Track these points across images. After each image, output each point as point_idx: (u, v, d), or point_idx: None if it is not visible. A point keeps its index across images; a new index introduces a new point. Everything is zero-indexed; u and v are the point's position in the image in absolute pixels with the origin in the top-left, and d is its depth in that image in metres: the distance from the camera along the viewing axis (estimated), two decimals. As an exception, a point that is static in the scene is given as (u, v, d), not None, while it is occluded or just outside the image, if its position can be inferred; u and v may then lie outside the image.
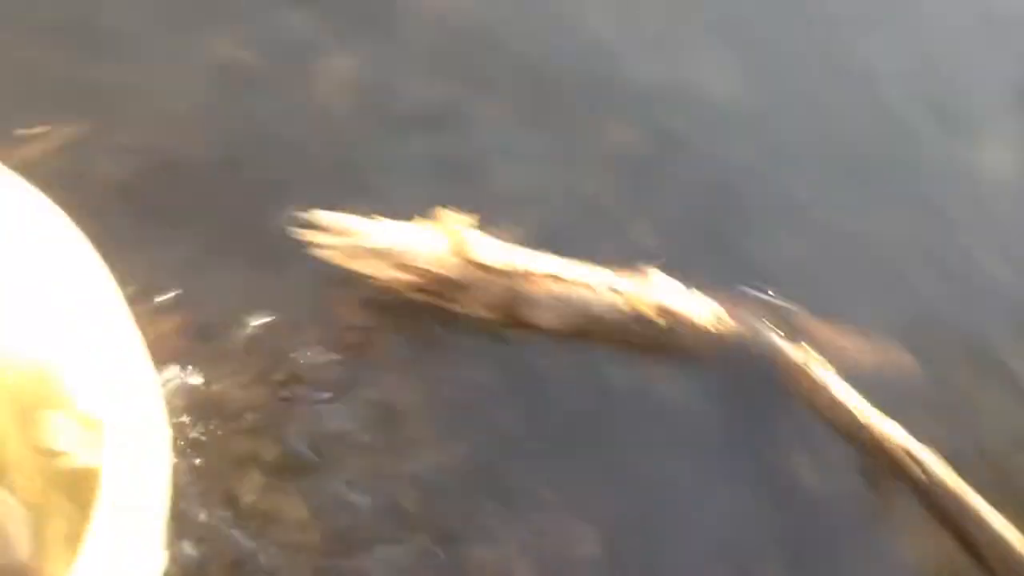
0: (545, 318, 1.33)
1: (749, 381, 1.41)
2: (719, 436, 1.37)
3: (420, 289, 1.28)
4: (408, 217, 1.30)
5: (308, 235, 1.22)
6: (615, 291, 1.35)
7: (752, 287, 1.46)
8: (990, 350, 1.58)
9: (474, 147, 1.57)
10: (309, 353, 1.22)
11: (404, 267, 1.25)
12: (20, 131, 1.29)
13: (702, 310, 1.40)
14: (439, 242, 1.27)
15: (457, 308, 1.31)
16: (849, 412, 1.37)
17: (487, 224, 1.34)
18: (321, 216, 1.23)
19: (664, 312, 1.37)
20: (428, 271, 1.26)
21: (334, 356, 1.23)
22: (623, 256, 1.44)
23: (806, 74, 1.89)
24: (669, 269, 1.43)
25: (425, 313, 1.32)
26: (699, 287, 1.42)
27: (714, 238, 1.57)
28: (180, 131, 1.40)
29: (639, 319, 1.35)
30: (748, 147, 1.71)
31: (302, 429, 1.16)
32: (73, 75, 1.42)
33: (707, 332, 1.39)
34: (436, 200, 1.33)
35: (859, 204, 1.70)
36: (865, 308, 1.53)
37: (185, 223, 1.29)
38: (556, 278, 1.33)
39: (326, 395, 1.20)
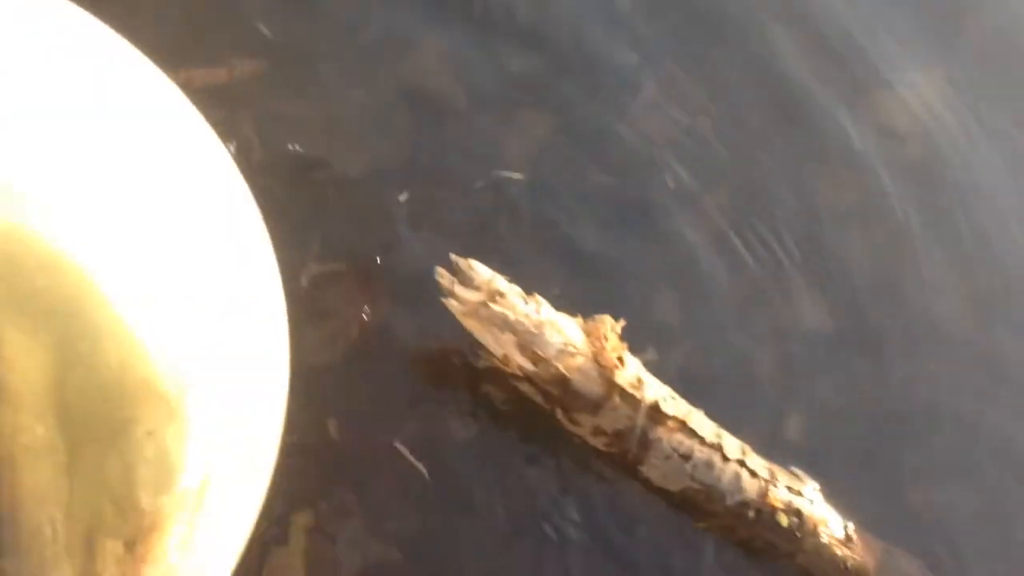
0: (657, 471, 1.13)
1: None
2: None
3: (534, 385, 1.11)
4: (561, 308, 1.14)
5: (447, 279, 1.07)
6: (749, 470, 1.15)
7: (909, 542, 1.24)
8: None
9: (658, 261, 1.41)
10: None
11: (532, 354, 1.08)
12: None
13: (835, 527, 1.18)
14: (583, 346, 1.10)
15: (566, 422, 1.13)
16: None
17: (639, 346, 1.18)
18: (472, 265, 1.08)
19: (795, 514, 1.15)
20: (557, 370, 1.08)
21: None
22: (763, 442, 1.26)
23: None
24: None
25: (526, 413, 1.15)
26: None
27: (867, 463, 1.34)
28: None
29: (762, 512, 1.14)
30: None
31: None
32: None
33: (832, 555, 1.17)
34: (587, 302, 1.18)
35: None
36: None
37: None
38: (688, 429, 1.13)
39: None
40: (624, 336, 1.16)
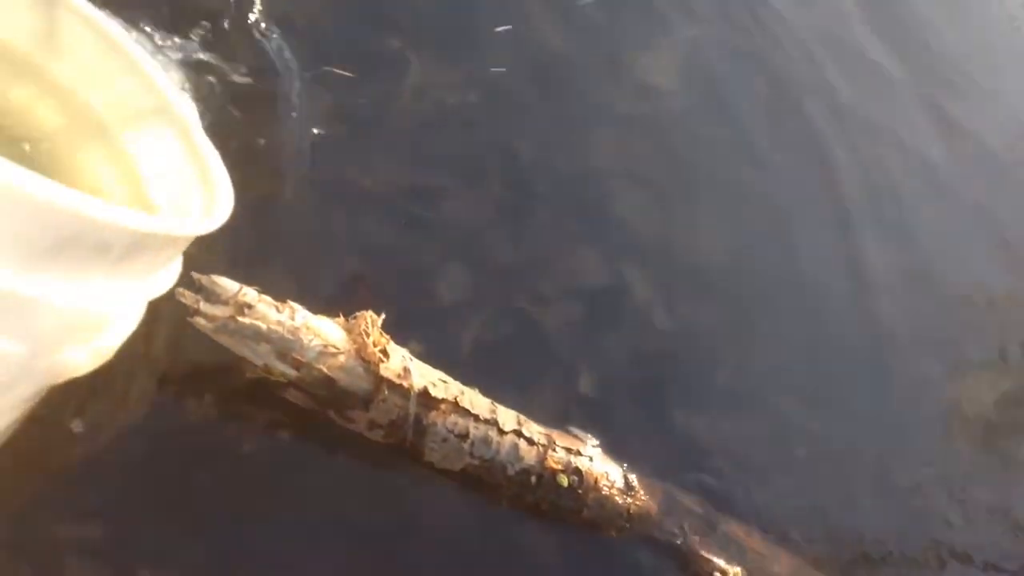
0: (437, 453, 1.16)
1: (648, 571, 1.26)
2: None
3: (302, 390, 1.10)
4: (325, 311, 1.14)
5: (191, 300, 1.04)
6: (526, 439, 1.19)
7: (686, 472, 1.33)
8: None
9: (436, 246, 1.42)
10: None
11: (293, 360, 1.07)
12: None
13: (615, 479, 1.25)
14: (345, 345, 1.10)
15: (341, 421, 1.13)
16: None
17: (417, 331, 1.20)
18: (216, 280, 1.05)
19: (574, 473, 1.21)
20: (320, 372, 1.08)
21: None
22: (559, 405, 1.31)
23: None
24: (598, 428, 1.29)
25: (299, 421, 1.14)
26: (628, 457, 1.29)
27: (656, 405, 1.42)
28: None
29: (544, 476, 1.19)
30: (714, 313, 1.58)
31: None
32: None
33: (615, 505, 1.23)
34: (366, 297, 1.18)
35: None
36: (809, 526, 1.41)
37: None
38: (461, 409, 1.16)
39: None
40: (410, 320, 1.18)
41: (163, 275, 0.91)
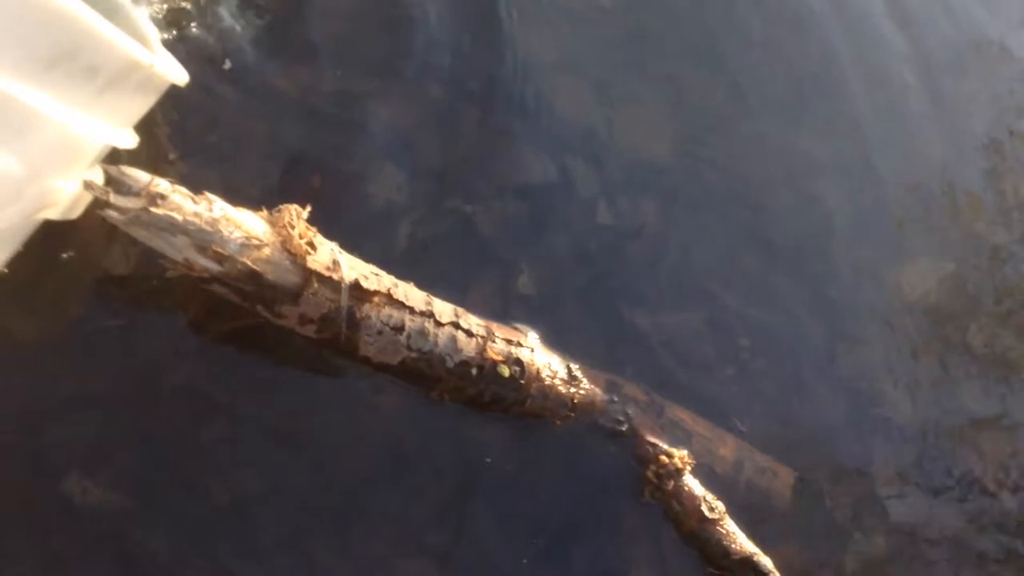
0: (373, 347, 1.12)
1: (594, 458, 1.26)
2: (552, 519, 1.21)
3: (227, 285, 1.06)
4: (249, 204, 1.09)
5: (101, 191, 0.98)
6: (464, 331, 1.17)
7: (629, 366, 1.32)
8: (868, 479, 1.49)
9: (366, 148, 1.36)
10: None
11: (214, 253, 1.02)
12: None
13: (558, 369, 1.23)
14: (269, 237, 1.05)
15: (271, 317, 1.09)
16: (699, 511, 1.23)
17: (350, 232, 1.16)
18: (125, 171, 0.99)
19: (515, 363, 1.19)
20: (245, 265, 1.03)
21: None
22: (499, 304, 1.29)
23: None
24: (539, 327, 1.28)
25: (222, 317, 1.10)
26: (571, 352, 1.27)
27: (599, 301, 1.40)
28: None
29: (484, 368, 1.17)
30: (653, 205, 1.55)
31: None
32: None
33: (559, 395, 1.22)
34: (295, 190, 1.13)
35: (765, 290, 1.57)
36: (754, 413, 1.42)
37: None
38: (396, 302, 1.13)
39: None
40: (340, 222, 1.13)
41: (127, 133, 0.95)
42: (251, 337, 1.14)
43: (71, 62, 0.78)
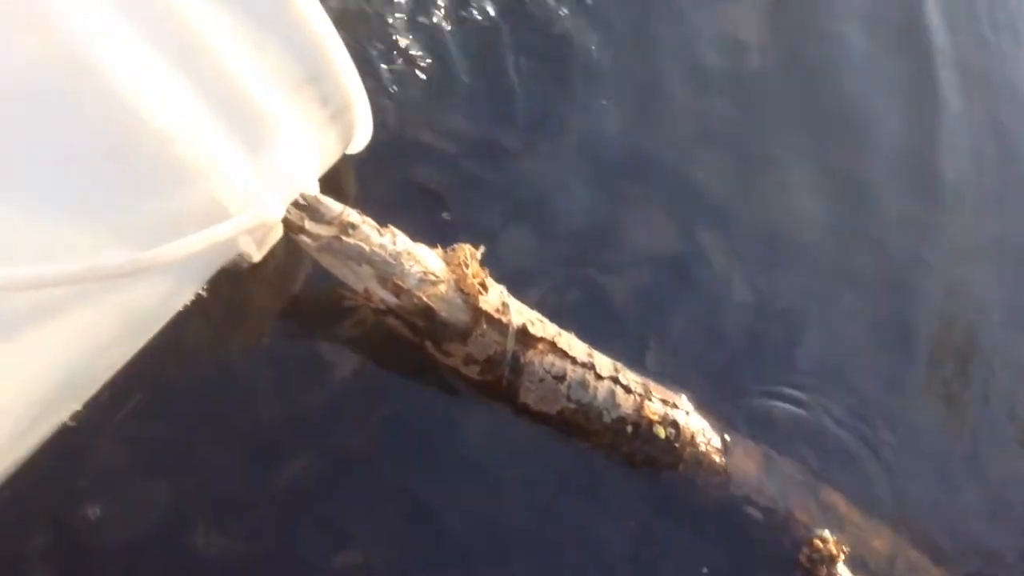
0: (533, 394, 1.12)
1: (742, 533, 1.20)
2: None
3: (400, 318, 1.07)
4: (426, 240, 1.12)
5: (297, 216, 1.02)
6: (623, 386, 1.15)
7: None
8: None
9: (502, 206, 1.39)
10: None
11: (393, 286, 1.04)
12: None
13: (711, 436, 1.20)
14: (444, 274, 1.07)
15: (438, 355, 1.10)
16: None
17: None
18: (321, 200, 1.03)
19: (671, 425, 1.16)
20: (420, 300, 1.05)
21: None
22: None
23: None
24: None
25: (394, 349, 1.11)
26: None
27: (731, 383, 1.37)
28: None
29: (640, 427, 1.15)
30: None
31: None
32: None
33: (712, 463, 1.18)
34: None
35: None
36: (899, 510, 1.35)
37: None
38: (559, 350, 1.12)
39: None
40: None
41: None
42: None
43: (313, 87, 0.79)
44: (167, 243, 0.68)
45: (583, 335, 1.29)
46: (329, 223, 1.03)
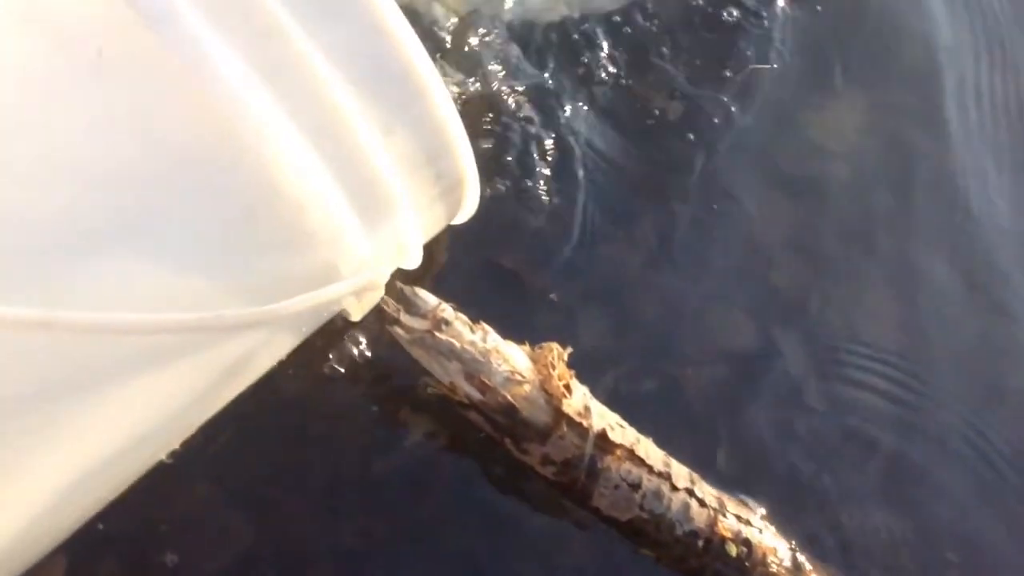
0: (606, 500, 1.10)
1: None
2: None
3: (483, 414, 1.07)
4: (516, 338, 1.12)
5: (393, 308, 1.03)
6: (698, 499, 1.13)
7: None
8: None
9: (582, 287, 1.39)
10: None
11: (480, 383, 1.04)
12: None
13: (784, 556, 1.17)
14: (530, 374, 1.07)
15: (515, 452, 1.09)
16: None
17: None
18: (418, 293, 1.05)
19: (744, 543, 1.14)
20: (505, 399, 1.04)
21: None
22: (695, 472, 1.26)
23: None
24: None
25: (475, 442, 1.11)
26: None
27: (798, 489, 1.34)
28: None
29: (712, 542, 1.12)
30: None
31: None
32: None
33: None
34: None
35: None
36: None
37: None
38: (636, 458, 1.11)
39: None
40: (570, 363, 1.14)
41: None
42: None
43: (431, 166, 0.81)
44: (284, 299, 0.72)
45: (655, 426, 1.27)
46: (423, 317, 1.04)
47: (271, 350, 0.88)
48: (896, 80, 1.80)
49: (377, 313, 1.04)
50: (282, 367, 1.04)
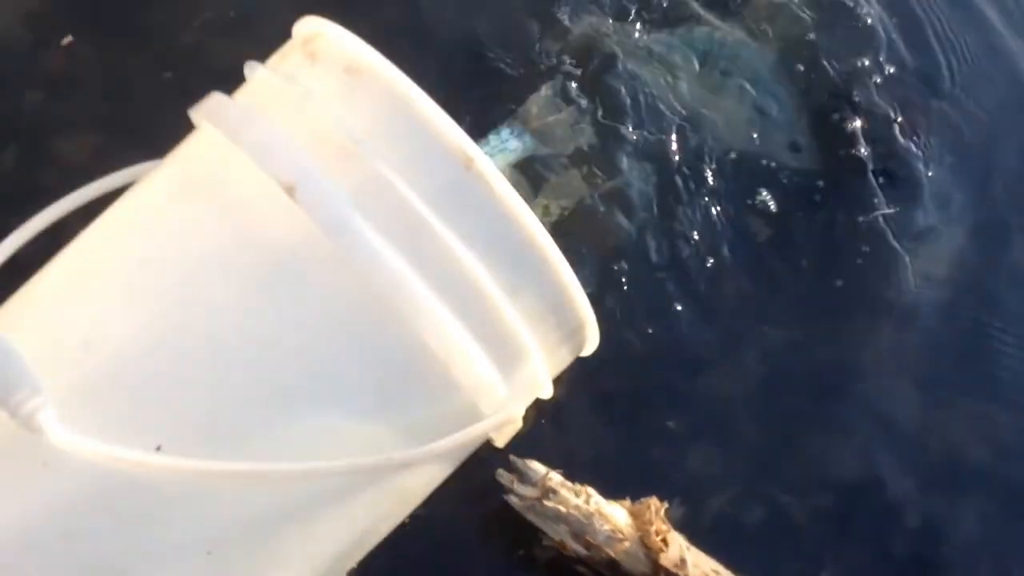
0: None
1: None
2: None
3: (589, 567, 1.22)
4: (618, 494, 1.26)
5: (508, 479, 1.21)
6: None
7: None
8: None
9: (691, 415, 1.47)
10: None
11: (585, 541, 1.19)
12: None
13: None
14: (630, 530, 1.21)
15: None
16: None
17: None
18: (529, 464, 1.22)
19: None
20: (607, 555, 1.19)
21: None
22: None
23: None
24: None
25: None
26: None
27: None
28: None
29: None
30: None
31: None
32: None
33: None
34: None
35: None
36: None
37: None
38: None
39: None
40: (656, 486, 1.27)
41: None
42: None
43: (553, 317, 0.92)
44: (439, 438, 0.87)
45: (759, 552, 1.32)
46: (534, 485, 1.21)
47: (429, 481, 1.01)
48: None
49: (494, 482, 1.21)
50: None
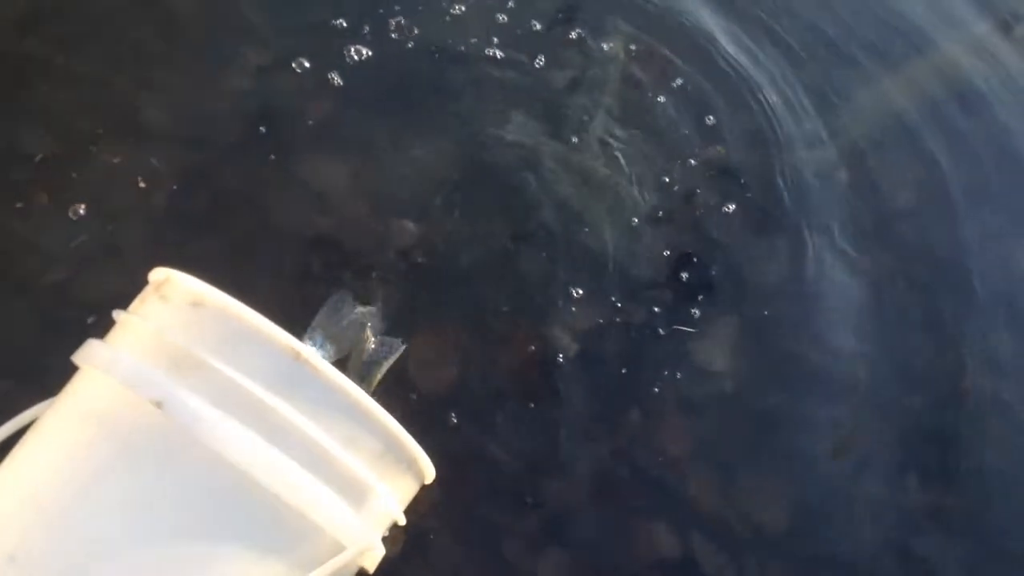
0: None
1: None
2: None
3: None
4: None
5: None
6: None
7: None
8: None
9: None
10: None
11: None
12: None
13: None
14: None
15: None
16: None
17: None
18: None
19: None
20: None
21: None
22: None
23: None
24: None
25: None
26: None
27: None
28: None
29: None
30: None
31: None
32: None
33: None
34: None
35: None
36: None
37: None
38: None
39: None
40: None
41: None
42: None
43: (390, 454, 1.15)
44: (312, 572, 1.08)
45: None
46: None
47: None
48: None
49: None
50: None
